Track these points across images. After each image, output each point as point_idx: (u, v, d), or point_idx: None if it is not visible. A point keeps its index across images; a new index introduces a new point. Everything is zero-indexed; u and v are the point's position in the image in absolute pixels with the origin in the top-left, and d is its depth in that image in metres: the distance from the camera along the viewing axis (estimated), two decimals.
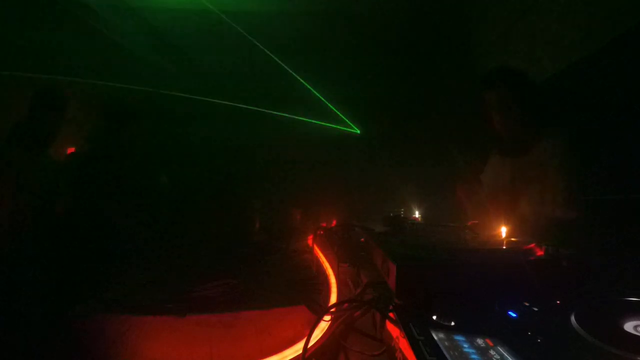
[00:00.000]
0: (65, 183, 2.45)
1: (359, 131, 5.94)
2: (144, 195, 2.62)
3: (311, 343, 0.66)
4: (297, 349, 0.71)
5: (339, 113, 5.56)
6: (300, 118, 5.62)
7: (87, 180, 2.38)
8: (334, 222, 1.96)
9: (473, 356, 0.43)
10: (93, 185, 2.34)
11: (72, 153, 2.74)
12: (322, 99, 5.38)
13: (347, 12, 3.92)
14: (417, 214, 2.00)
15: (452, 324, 0.52)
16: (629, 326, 0.47)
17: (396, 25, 3.80)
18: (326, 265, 1.07)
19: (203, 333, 0.77)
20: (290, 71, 4.81)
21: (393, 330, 0.59)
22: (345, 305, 0.76)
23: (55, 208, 2.08)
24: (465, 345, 0.46)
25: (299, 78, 5.17)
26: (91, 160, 2.49)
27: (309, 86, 5.09)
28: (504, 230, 1.15)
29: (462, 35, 3.22)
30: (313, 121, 5.66)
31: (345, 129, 5.87)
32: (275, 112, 5.30)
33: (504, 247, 0.88)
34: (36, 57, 2.66)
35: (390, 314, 0.61)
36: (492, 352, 0.44)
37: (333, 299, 0.87)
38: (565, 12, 1.84)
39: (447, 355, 0.43)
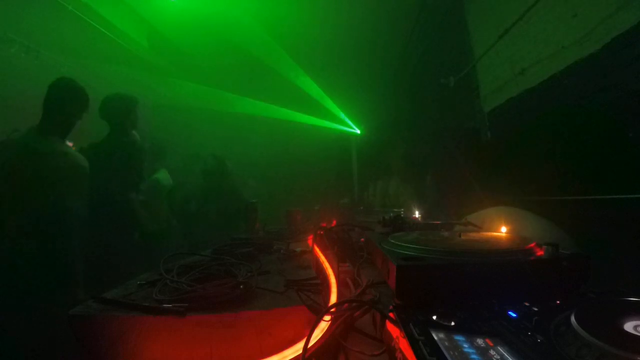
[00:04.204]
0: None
1: (359, 132, 5.95)
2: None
3: (311, 343, 0.66)
4: (297, 349, 0.71)
5: (343, 114, 5.59)
6: (304, 116, 5.64)
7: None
8: (334, 222, 1.96)
9: (473, 356, 0.43)
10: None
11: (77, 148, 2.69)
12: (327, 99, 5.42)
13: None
14: (417, 214, 2.00)
15: (452, 324, 0.52)
16: (629, 326, 0.47)
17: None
18: (326, 265, 1.07)
19: (203, 333, 0.77)
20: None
21: (393, 330, 0.59)
22: (345, 305, 0.76)
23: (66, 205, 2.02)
24: (465, 345, 0.46)
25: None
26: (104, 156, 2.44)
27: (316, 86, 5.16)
28: (503, 230, 1.15)
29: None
30: (317, 119, 5.69)
31: (347, 129, 5.88)
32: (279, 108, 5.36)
33: (504, 247, 0.88)
34: None
35: (390, 314, 0.61)
36: (492, 352, 0.44)
37: (333, 299, 0.87)
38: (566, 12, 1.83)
39: (447, 355, 0.43)
